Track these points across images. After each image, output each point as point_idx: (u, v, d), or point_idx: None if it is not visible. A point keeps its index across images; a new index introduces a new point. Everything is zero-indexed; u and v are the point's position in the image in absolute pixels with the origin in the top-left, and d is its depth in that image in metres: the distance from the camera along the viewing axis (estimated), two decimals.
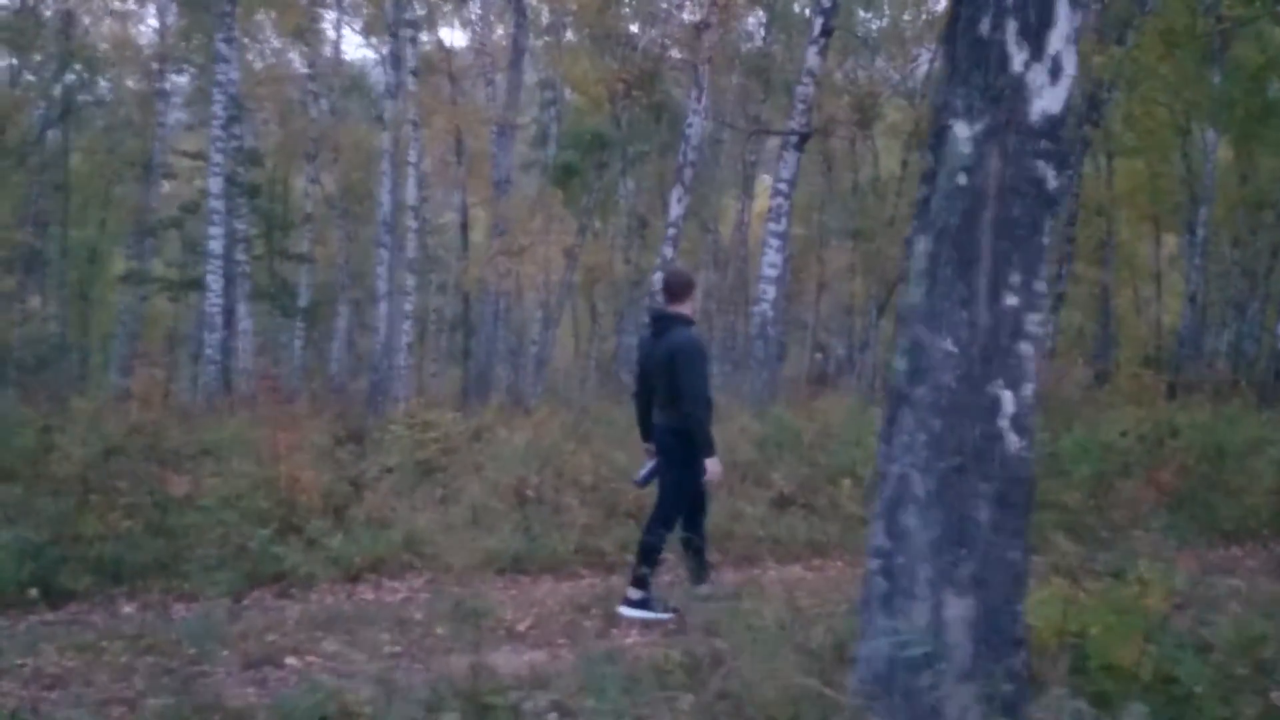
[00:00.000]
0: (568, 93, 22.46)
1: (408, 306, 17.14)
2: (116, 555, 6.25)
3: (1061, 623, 3.67)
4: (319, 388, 18.16)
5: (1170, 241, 26.14)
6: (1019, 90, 3.27)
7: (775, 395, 13.57)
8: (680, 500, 5.78)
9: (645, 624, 5.56)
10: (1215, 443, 8.38)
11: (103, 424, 9.12)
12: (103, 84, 26.74)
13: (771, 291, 13.43)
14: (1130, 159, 22.99)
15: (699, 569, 5.87)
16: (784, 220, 13.40)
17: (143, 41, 26.20)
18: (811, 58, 13.17)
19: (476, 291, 19.64)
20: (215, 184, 15.46)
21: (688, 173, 14.80)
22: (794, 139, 13.22)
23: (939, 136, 3.38)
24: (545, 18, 23.90)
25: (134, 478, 7.21)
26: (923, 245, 3.40)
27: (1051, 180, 3.30)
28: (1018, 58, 3.26)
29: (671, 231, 14.80)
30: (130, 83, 26.97)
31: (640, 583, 5.70)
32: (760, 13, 21.98)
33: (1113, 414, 10.10)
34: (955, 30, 3.39)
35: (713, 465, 5.65)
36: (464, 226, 22.76)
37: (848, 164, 24.95)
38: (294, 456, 7.06)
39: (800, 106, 13.25)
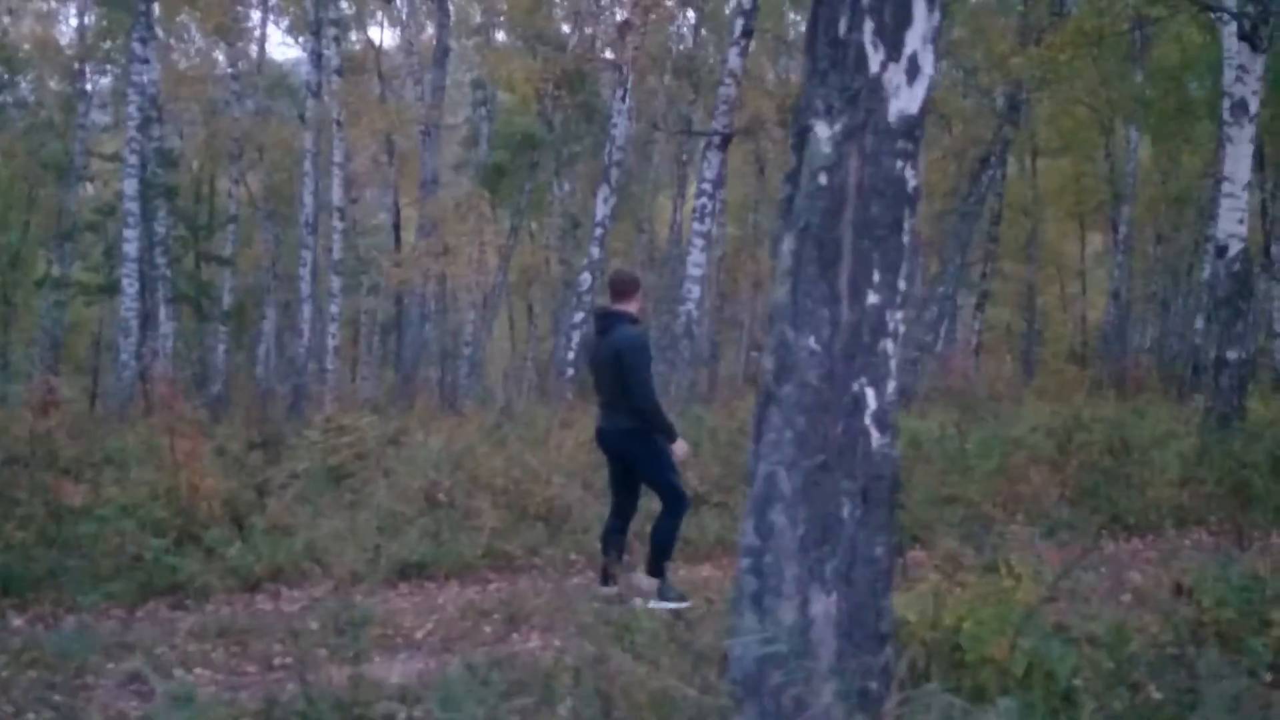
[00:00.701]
0: (500, 93, 22.34)
1: (334, 309, 16.94)
2: (6, 567, 6.06)
3: (935, 617, 3.70)
4: (241, 392, 17.86)
5: (1095, 239, 26.67)
6: (876, 90, 3.27)
7: (707, 394, 13.59)
8: (673, 485, 5.90)
9: (673, 613, 5.50)
10: (1121, 436, 8.51)
11: (9, 432, 8.86)
12: (23, 85, 26.12)
13: (697, 291, 13.49)
14: (1054, 158, 23.43)
15: (613, 569, 5.89)
16: (708, 220, 13.46)
17: (64, 41, 25.66)
18: (733, 59, 13.23)
19: (405, 293, 19.46)
20: (130, 186, 15.11)
21: (614, 172, 14.82)
22: (717, 139, 13.27)
23: (801, 136, 3.38)
24: (477, 18, 23.80)
25: (32, 487, 7.02)
26: (787, 244, 3.40)
27: (910, 179, 3.32)
28: (875, 58, 3.27)
29: (599, 231, 14.81)
30: (52, 84, 26.38)
31: (658, 574, 5.82)
32: (690, 14, 22.07)
33: (1028, 408, 10.27)
34: (815, 30, 3.39)
35: (679, 447, 5.86)
36: (396, 227, 22.54)
37: (780, 164, 25.09)
38: (195, 464, 6.90)
39: (723, 107, 13.31)
